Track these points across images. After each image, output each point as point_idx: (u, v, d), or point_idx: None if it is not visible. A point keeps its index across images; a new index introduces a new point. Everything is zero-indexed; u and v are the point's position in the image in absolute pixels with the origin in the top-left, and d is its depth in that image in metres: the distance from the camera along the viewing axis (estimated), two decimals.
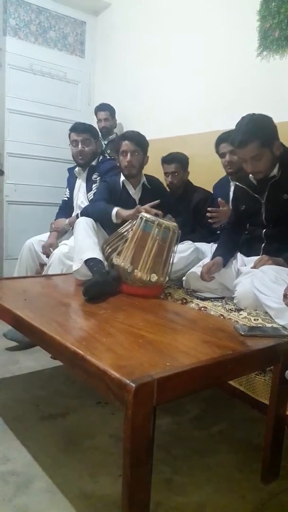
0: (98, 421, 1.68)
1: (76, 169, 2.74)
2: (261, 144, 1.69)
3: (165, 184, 2.58)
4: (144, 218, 1.83)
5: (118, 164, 2.37)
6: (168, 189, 2.59)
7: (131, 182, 2.34)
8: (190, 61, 3.03)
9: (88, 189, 2.66)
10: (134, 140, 2.24)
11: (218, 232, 2.33)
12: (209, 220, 2.21)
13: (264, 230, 1.84)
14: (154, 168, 2.60)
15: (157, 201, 2.00)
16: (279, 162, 1.76)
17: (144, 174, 2.40)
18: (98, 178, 2.62)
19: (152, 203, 1.98)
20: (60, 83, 3.78)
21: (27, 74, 3.57)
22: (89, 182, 2.66)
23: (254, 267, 1.70)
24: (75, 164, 2.75)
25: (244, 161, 1.76)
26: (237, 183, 1.97)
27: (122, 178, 2.33)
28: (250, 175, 1.85)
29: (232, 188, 2.32)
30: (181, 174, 2.55)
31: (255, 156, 1.71)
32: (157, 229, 1.80)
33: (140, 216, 1.85)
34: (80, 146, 2.59)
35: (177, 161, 2.53)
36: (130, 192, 2.33)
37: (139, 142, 2.26)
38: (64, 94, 3.81)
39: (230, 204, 2.19)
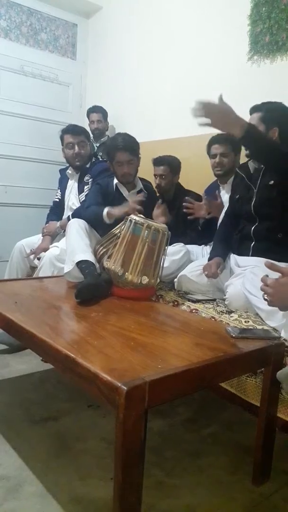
0: (90, 424, 1.67)
1: (69, 170, 2.73)
2: (261, 117, 1.77)
3: (153, 185, 2.59)
4: (133, 220, 1.82)
5: (111, 169, 2.36)
6: (156, 192, 2.58)
7: (124, 185, 2.34)
8: (181, 64, 3.05)
9: (80, 190, 2.65)
10: (128, 149, 2.21)
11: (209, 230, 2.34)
12: (184, 210, 2.23)
13: (252, 228, 1.84)
14: (145, 171, 2.61)
15: (143, 195, 2.05)
16: None
17: (140, 178, 2.40)
18: (90, 180, 2.61)
19: (138, 196, 1.99)
20: (51, 85, 3.77)
21: (18, 75, 3.56)
22: (81, 184, 2.66)
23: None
24: (67, 165, 2.75)
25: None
26: (237, 170, 2.00)
27: (115, 180, 2.33)
28: (250, 162, 1.89)
29: (222, 192, 2.34)
30: (170, 177, 2.54)
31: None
32: (146, 231, 1.79)
33: (129, 218, 1.84)
34: (77, 148, 2.58)
35: (166, 164, 2.52)
36: (124, 194, 2.33)
37: (133, 150, 2.24)
38: (55, 96, 3.80)
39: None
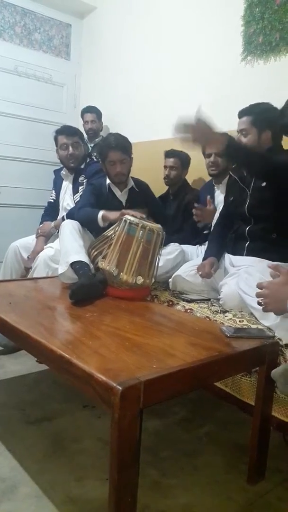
0: (85, 425, 1.67)
1: (63, 171, 2.73)
2: (252, 121, 1.78)
3: (162, 177, 2.66)
4: (128, 221, 1.82)
5: (104, 169, 2.36)
6: (164, 183, 2.67)
7: (117, 185, 2.34)
8: (175, 64, 3.05)
9: (75, 191, 2.65)
10: (120, 148, 2.21)
11: (205, 232, 2.35)
12: (193, 217, 2.25)
13: (247, 228, 1.85)
14: (141, 171, 2.61)
15: (143, 210, 2.05)
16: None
17: (131, 177, 2.40)
18: (84, 181, 2.61)
19: (137, 211, 1.99)
20: (45, 85, 3.76)
21: (12, 76, 3.54)
22: (75, 184, 2.65)
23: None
24: (61, 166, 2.74)
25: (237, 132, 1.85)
26: (231, 173, 2.01)
27: (108, 181, 2.33)
28: None
29: (216, 192, 2.35)
30: (179, 170, 2.63)
31: (242, 130, 1.80)
32: (141, 231, 1.80)
33: (124, 219, 1.84)
34: (71, 149, 2.57)
35: (177, 156, 2.62)
36: (117, 195, 2.33)
37: (125, 149, 2.24)
38: (49, 96, 3.79)
39: (216, 205, 2.22)
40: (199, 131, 1.54)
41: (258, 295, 1.28)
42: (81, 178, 2.64)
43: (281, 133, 1.75)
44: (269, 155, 1.69)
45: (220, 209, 2.12)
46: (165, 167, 2.66)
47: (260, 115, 1.78)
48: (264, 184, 1.78)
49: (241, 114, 1.83)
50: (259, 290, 1.25)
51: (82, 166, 2.66)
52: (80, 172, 2.65)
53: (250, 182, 1.85)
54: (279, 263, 1.41)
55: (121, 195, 2.34)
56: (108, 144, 2.24)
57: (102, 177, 2.42)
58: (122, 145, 2.23)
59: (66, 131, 2.60)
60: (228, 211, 2.01)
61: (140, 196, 2.33)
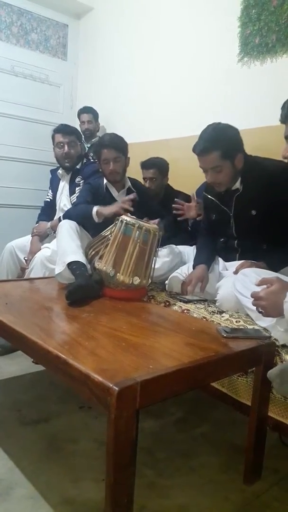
0: (81, 426, 1.66)
1: (60, 171, 2.72)
2: (222, 155, 1.69)
3: None
4: (124, 221, 1.81)
5: (100, 168, 2.36)
6: (145, 186, 2.60)
7: (114, 185, 2.33)
8: (172, 65, 3.06)
9: (71, 192, 2.64)
10: (113, 146, 2.22)
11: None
12: (173, 212, 2.23)
13: (236, 241, 1.86)
14: (136, 171, 2.61)
15: (134, 194, 2.07)
16: (241, 175, 1.78)
17: (128, 177, 2.40)
18: (81, 182, 2.61)
19: (128, 196, 2.02)
20: (42, 85, 3.76)
21: (9, 76, 3.54)
22: (72, 185, 2.65)
23: (236, 272, 1.71)
24: (58, 166, 2.74)
25: (205, 171, 1.76)
26: (206, 194, 1.98)
27: (105, 181, 2.33)
28: None
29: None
30: (160, 180, 2.58)
31: (215, 167, 1.72)
32: (137, 232, 1.79)
33: (120, 219, 1.83)
34: (66, 148, 2.56)
35: (156, 167, 2.56)
36: (114, 195, 2.33)
37: (120, 147, 2.24)
38: (46, 96, 3.79)
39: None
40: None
41: (256, 305, 1.30)
42: (78, 179, 2.63)
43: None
44: None
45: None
46: (145, 179, 2.59)
47: (227, 145, 1.69)
48: (254, 212, 1.75)
49: (205, 151, 1.71)
50: (256, 298, 1.28)
51: (78, 167, 2.66)
52: (77, 172, 2.65)
53: (230, 205, 1.83)
54: (264, 277, 1.37)
55: (118, 196, 2.33)
56: (102, 143, 2.27)
57: (99, 177, 2.42)
58: (115, 143, 2.23)
59: (63, 129, 2.59)
60: (212, 228, 2.00)
61: (138, 197, 2.32)
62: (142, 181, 2.60)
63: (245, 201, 1.79)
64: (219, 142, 1.69)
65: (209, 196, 1.94)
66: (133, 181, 2.41)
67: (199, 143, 1.73)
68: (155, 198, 2.58)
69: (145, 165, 2.58)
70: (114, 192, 2.33)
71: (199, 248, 2.04)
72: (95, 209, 2.08)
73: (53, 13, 3.79)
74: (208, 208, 1.99)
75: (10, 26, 3.56)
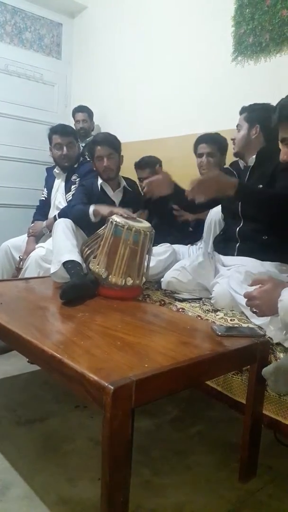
0: (77, 425, 1.66)
1: (55, 169, 2.72)
2: (246, 116, 1.84)
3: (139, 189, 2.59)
4: (114, 222, 1.79)
5: (94, 167, 2.36)
6: (140, 187, 2.58)
7: (109, 184, 2.33)
8: (166, 64, 3.06)
9: (67, 190, 2.63)
10: (107, 143, 2.23)
11: (191, 229, 2.35)
12: (174, 212, 2.25)
13: (237, 228, 1.86)
14: (132, 171, 2.61)
15: (142, 212, 2.07)
16: (257, 151, 1.84)
17: (123, 177, 2.40)
18: (77, 180, 2.60)
19: (133, 214, 1.98)
20: (36, 84, 3.75)
21: (3, 75, 3.53)
22: (68, 183, 2.64)
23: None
24: (53, 164, 2.73)
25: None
26: (229, 168, 2.01)
27: (100, 180, 2.33)
28: (240, 160, 1.93)
29: None
30: None
31: (237, 126, 1.86)
32: (127, 233, 1.77)
33: (110, 220, 1.82)
34: (65, 149, 2.55)
35: (150, 166, 2.55)
36: (109, 194, 2.33)
37: (113, 144, 2.25)
38: (40, 95, 3.78)
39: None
40: (208, 184, 1.57)
41: (250, 305, 1.31)
42: (74, 177, 2.63)
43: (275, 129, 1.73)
44: (278, 195, 1.66)
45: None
46: (140, 179, 2.57)
47: (252, 112, 1.83)
48: (260, 186, 1.78)
49: (242, 111, 1.88)
50: (250, 300, 1.28)
51: (75, 166, 2.66)
52: (74, 171, 2.64)
53: (244, 179, 1.86)
54: (258, 276, 1.41)
55: (114, 195, 2.33)
56: (96, 140, 2.30)
57: (93, 177, 2.42)
58: (109, 140, 2.25)
59: (60, 130, 2.57)
60: (224, 208, 2.02)
61: (133, 195, 2.33)
62: (137, 181, 2.60)
63: (256, 176, 1.83)
64: (249, 107, 1.86)
65: (230, 169, 1.98)
66: (129, 181, 2.42)
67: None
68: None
69: (140, 165, 2.58)
70: (109, 191, 2.33)
71: None
72: (92, 208, 2.08)
73: (47, 11, 3.78)
74: None
75: (4, 25, 3.54)
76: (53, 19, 3.85)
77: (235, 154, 1.93)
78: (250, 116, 1.83)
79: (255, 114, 1.83)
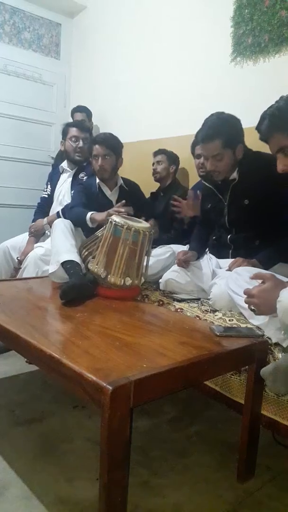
0: (75, 425, 1.66)
1: (63, 165, 2.72)
2: (224, 143, 1.72)
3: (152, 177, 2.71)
4: (114, 222, 1.79)
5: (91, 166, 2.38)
6: (154, 180, 2.72)
7: (107, 184, 2.34)
8: (166, 64, 3.06)
9: (73, 187, 2.64)
10: (105, 143, 2.24)
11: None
12: (172, 208, 2.26)
13: (229, 236, 1.87)
14: (131, 170, 2.61)
15: (123, 202, 2.08)
16: (239, 166, 1.80)
17: (122, 177, 2.40)
18: (85, 177, 2.62)
19: (120, 203, 2.04)
20: (35, 84, 3.75)
21: (1, 75, 3.53)
22: (75, 180, 2.66)
23: (229, 269, 1.72)
24: (54, 161, 2.74)
25: (205, 158, 1.80)
26: (204, 182, 2.00)
27: (98, 180, 2.33)
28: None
29: None
30: (166, 164, 2.68)
31: (217, 155, 1.74)
32: (126, 233, 1.77)
33: (109, 220, 1.82)
34: (81, 143, 2.60)
35: (163, 153, 2.70)
36: (107, 194, 2.33)
37: (111, 145, 2.25)
38: (39, 95, 3.78)
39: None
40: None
41: (248, 303, 1.30)
42: (81, 175, 2.65)
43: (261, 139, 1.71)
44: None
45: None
46: (153, 163, 2.73)
47: (229, 135, 1.73)
48: (246, 201, 1.77)
49: (208, 138, 1.73)
50: (249, 298, 1.28)
51: (85, 164, 2.67)
52: (83, 168, 2.66)
53: (226, 193, 1.85)
54: (261, 270, 1.41)
55: (111, 194, 2.34)
56: (95, 139, 2.31)
57: (92, 176, 2.42)
58: (107, 140, 2.26)
59: (79, 125, 2.68)
60: (206, 218, 2.02)
61: (130, 195, 2.33)
62: (141, 181, 2.62)
63: (240, 191, 1.81)
64: (222, 130, 1.71)
65: (206, 184, 1.96)
66: (126, 181, 2.42)
67: (202, 129, 1.76)
68: (161, 183, 2.73)
69: (155, 152, 2.75)
70: (107, 191, 2.34)
71: (192, 239, 2.07)
72: (88, 215, 2.10)
73: (46, 11, 3.78)
74: (205, 196, 2.01)
75: (3, 25, 3.54)
76: (52, 19, 3.85)
77: (216, 179, 1.87)
78: (227, 141, 1.72)
79: (230, 137, 1.72)
